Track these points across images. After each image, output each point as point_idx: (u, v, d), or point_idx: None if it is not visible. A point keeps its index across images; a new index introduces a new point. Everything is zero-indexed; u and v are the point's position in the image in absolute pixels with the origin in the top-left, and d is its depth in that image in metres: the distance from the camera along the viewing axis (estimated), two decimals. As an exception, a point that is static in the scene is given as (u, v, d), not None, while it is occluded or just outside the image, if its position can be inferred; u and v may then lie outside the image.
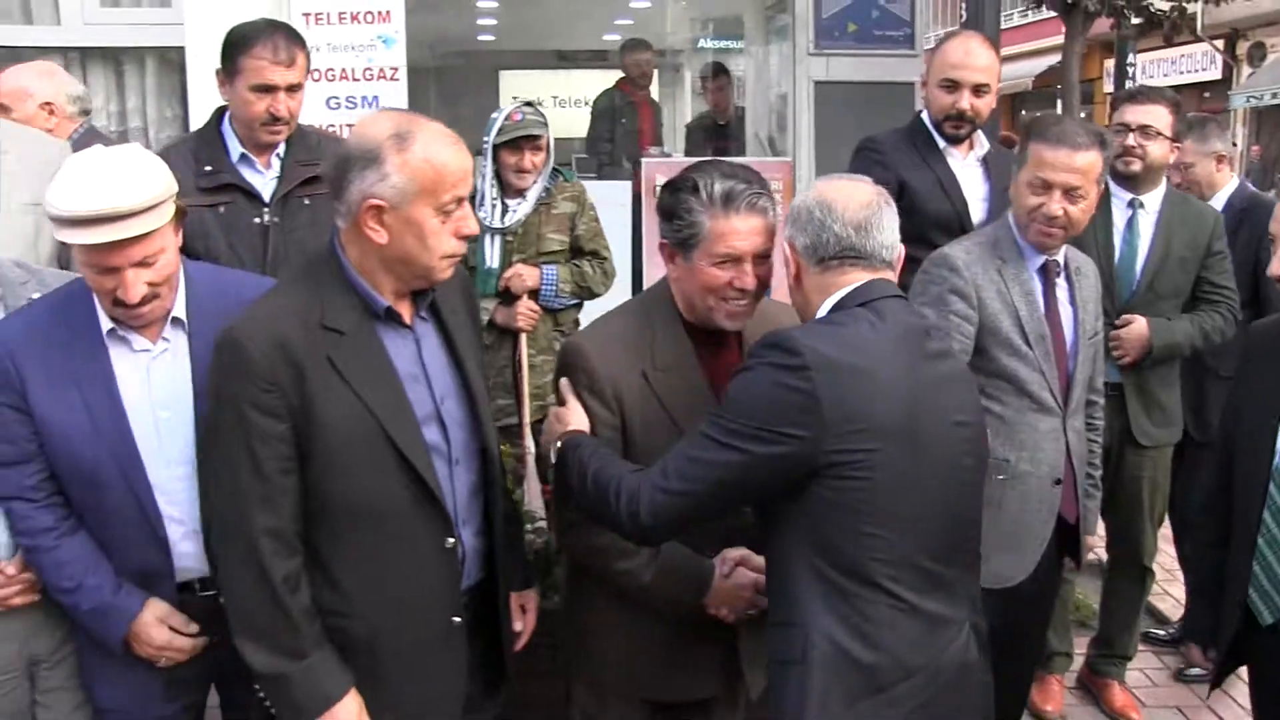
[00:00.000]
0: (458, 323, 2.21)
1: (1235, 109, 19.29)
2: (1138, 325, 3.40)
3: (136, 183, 2.03)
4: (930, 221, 3.32)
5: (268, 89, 2.99)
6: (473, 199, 3.74)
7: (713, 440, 1.97)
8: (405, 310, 2.11)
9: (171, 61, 5.43)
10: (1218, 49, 19.50)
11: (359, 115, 5.31)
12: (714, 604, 2.26)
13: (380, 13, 5.26)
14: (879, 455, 1.94)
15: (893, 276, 2.14)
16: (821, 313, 2.11)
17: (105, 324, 2.16)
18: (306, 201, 3.11)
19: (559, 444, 2.15)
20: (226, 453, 1.97)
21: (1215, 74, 20.26)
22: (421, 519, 2.07)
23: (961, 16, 3.69)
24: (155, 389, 2.18)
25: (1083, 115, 24.22)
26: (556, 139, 3.97)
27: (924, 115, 3.44)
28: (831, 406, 1.92)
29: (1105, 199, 3.41)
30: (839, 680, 1.97)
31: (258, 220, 3.04)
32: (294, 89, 3.05)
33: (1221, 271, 3.48)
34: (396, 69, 5.25)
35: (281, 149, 3.12)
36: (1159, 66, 21.27)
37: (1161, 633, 4.22)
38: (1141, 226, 3.47)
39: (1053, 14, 5.47)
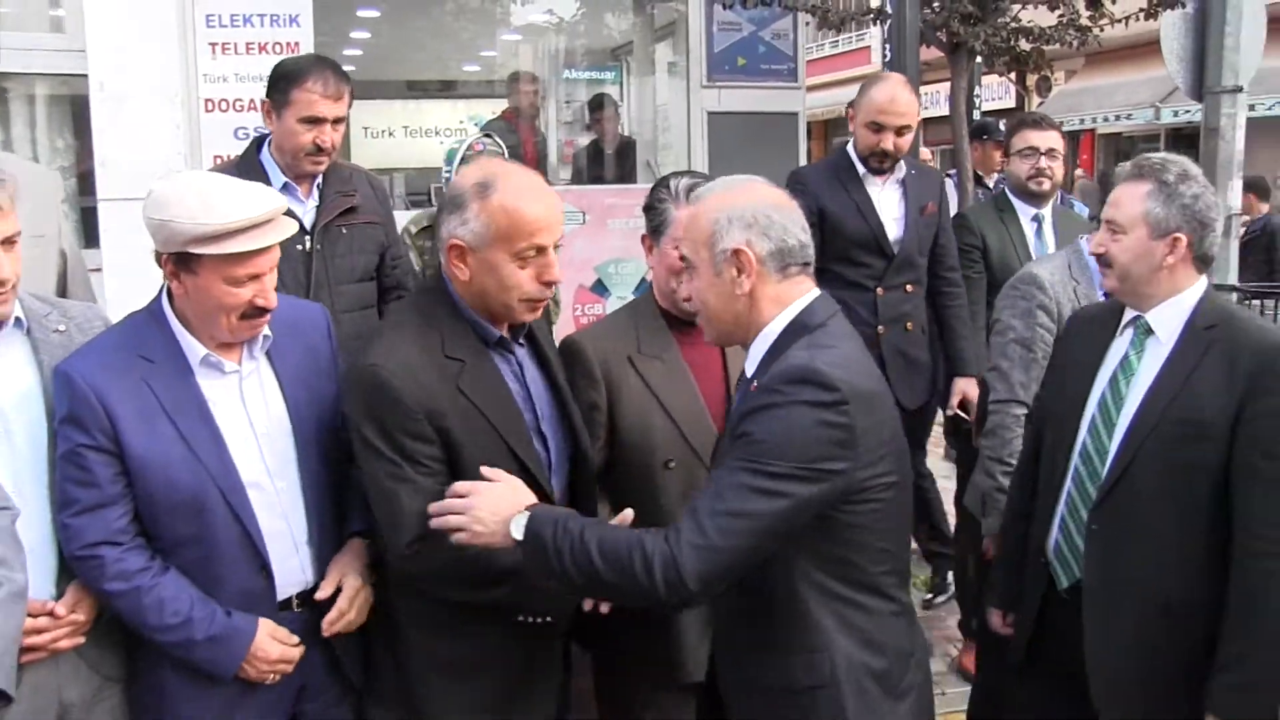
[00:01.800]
0: (548, 344, 2.39)
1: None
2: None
3: (265, 191, 2.13)
4: (849, 241, 3.70)
5: (316, 121, 3.07)
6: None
7: (757, 491, 1.87)
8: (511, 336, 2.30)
9: (61, 89, 5.32)
10: (1011, 80, 21.19)
11: (267, 145, 5.38)
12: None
13: (289, 43, 5.27)
14: (891, 476, 1.98)
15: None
16: (776, 324, 2.05)
17: (199, 351, 2.18)
18: (344, 230, 3.21)
19: (523, 517, 1.99)
20: (380, 476, 2.11)
21: (1010, 102, 22.01)
22: None
23: (886, 57, 4.09)
24: (250, 409, 2.23)
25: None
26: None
27: (849, 147, 3.81)
28: (863, 435, 1.91)
29: (1014, 216, 3.90)
30: (864, 693, 2.01)
31: (300, 247, 3.11)
32: (338, 122, 3.14)
33: None
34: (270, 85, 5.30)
35: (320, 179, 3.22)
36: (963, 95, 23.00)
37: None
38: (1046, 235, 3.94)
39: (862, 44, 6.02)
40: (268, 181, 3.10)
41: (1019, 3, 5.06)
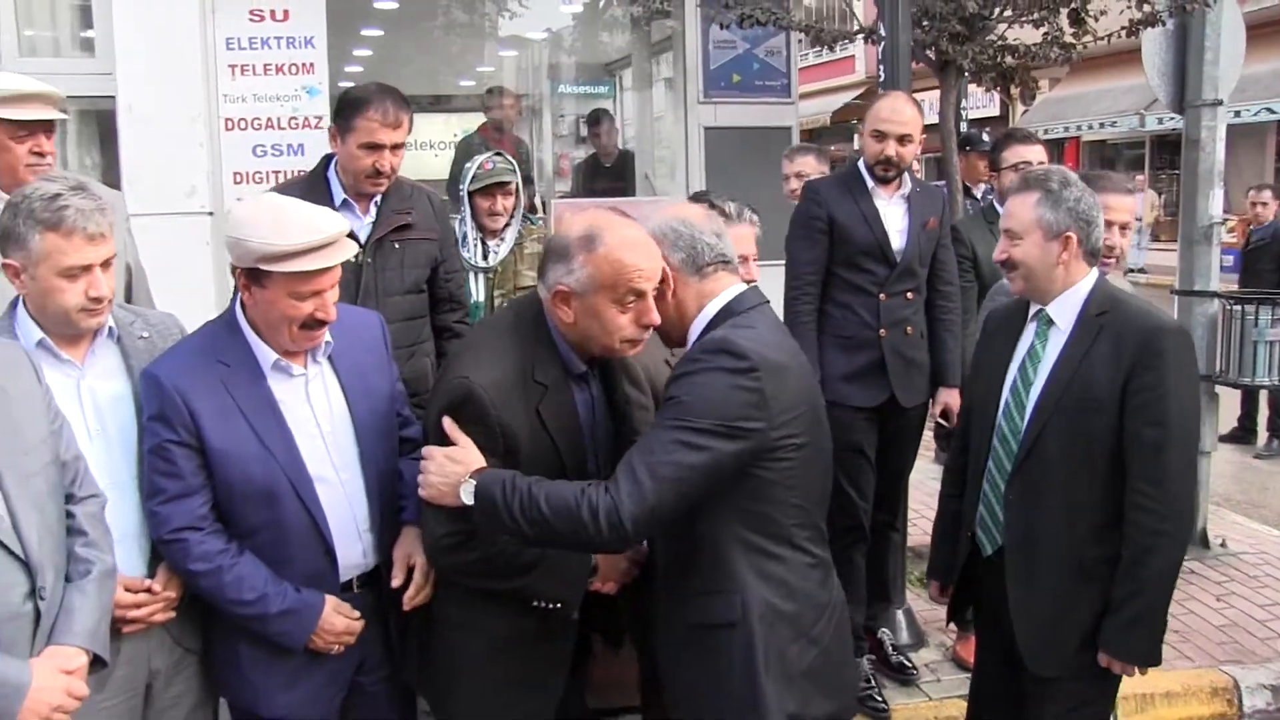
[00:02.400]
0: (613, 370, 2.56)
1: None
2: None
3: (331, 215, 2.34)
4: (855, 248, 3.92)
5: (376, 147, 3.24)
6: (458, 241, 4.08)
7: (683, 444, 2.11)
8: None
9: (89, 110, 5.51)
10: (995, 89, 21.51)
11: (285, 163, 5.57)
12: (601, 580, 2.49)
13: (305, 64, 5.51)
14: (801, 438, 2.24)
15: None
16: (703, 317, 2.32)
17: (270, 356, 2.38)
18: (397, 246, 3.40)
19: (471, 482, 2.19)
20: None
21: (994, 110, 22.31)
22: None
23: (880, 75, 4.31)
24: (316, 408, 2.43)
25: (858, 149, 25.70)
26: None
27: (860, 162, 4.04)
28: (774, 399, 2.17)
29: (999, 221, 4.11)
30: (774, 632, 2.24)
31: (353, 260, 3.31)
32: (397, 148, 3.30)
33: None
34: (321, 118, 5.46)
35: (379, 197, 3.41)
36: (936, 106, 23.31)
37: None
38: None
39: (846, 54, 6.29)
40: (331, 196, 3.35)
41: (1005, 22, 5.28)
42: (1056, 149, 21.48)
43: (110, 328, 2.44)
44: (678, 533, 2.30)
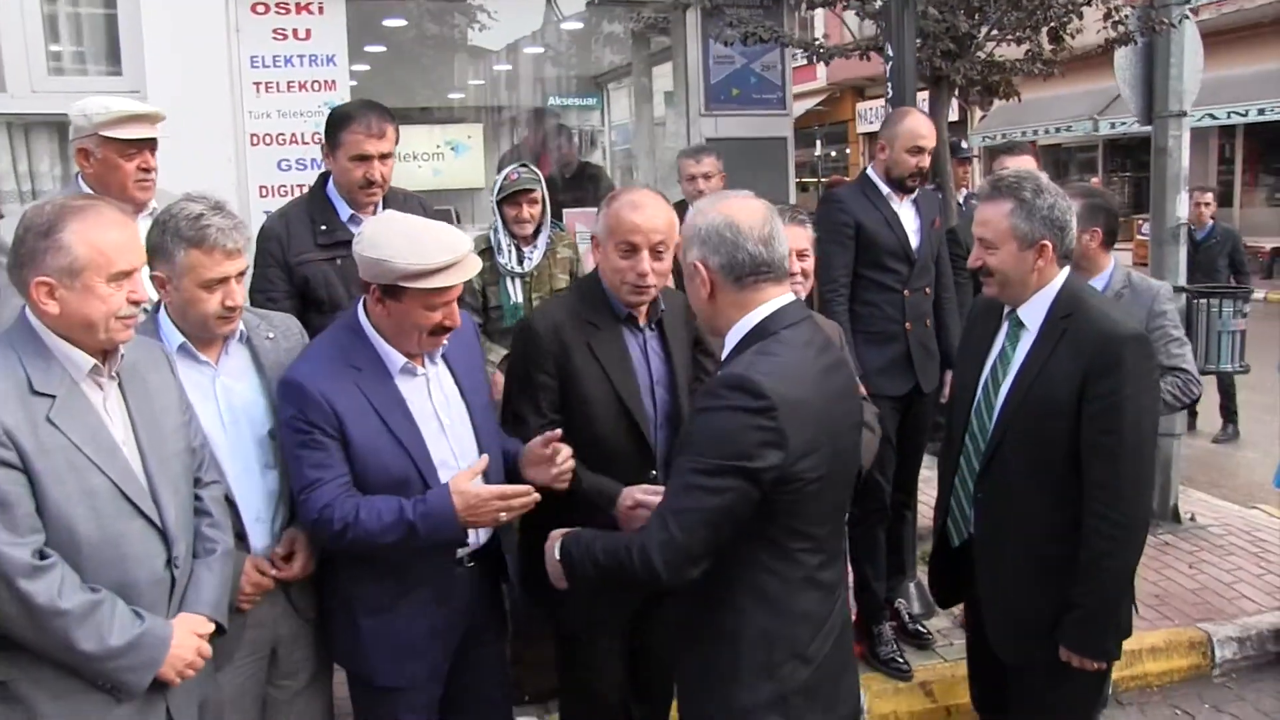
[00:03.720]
0: (675, 333, 2.96)
1: (973, 148, 21.88)
2: None
3: (457, 234, 2.56)
4: (882, 250, 4.25)
5: (364, 158, 3.42)
6: (494, 249, 4.36)
7: (702, 489, 2.16)
8: (641, 317, 2.90)
9: (117, 128, 5.68)
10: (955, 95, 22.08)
11: (308, 176, 5.74)
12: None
13: (327, 81, 5.73)
14: (817, 470, 2.21)
15: (789, 289, 2.37)
16: (740, 328, 2.29)
17: (399, 360, 2.61)
18: None
19: (557, 543, 2.42)
20: (514, 401, 2.87)
21: (954, 116, 22.89)
22: (636, 459, 2.85)
23: (887, 94, 4.65)
24: (437, 404, 2.66)
25: (831, 153, 25.86)
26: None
27: (869, 171, 4.37)
28: (792, 436, 2.15)
29: None
30: (767, 652, 2.27)
31: None
32: (385, 157, 3.47)
33: None
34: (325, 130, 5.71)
35: (380, 206, 3.60)
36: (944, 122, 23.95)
37: None
38: None
39: (804, 62, 6.64)
40: (337, 212, 3.54)
41: (993, 41, 5.67)
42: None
43: (241, 331, 2.69)
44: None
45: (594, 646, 3.00)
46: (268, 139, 5.71)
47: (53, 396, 2.16)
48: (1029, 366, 2.73)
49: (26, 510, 2.09)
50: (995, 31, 5.59)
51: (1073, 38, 5.68)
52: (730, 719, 2.29)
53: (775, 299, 2.30)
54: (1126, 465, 2.60)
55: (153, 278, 2.54)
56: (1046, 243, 2.69)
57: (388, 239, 2.50)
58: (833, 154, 31.68)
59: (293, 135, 5.71)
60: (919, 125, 4.22)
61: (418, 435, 2.62)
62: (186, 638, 2.30)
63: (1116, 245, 3.69)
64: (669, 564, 2.19)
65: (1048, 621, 2.72)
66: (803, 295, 3.20)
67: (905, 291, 4.26)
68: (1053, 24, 5.53)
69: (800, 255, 3.15)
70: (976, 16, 5.42)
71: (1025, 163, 4.43)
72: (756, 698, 2.26)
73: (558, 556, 2.40)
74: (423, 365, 2.69)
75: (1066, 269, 2.76)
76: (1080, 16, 5.44)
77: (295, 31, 5.69)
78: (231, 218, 2.55)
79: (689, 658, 2.41)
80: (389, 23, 8.01)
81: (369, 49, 8.17)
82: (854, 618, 4.13)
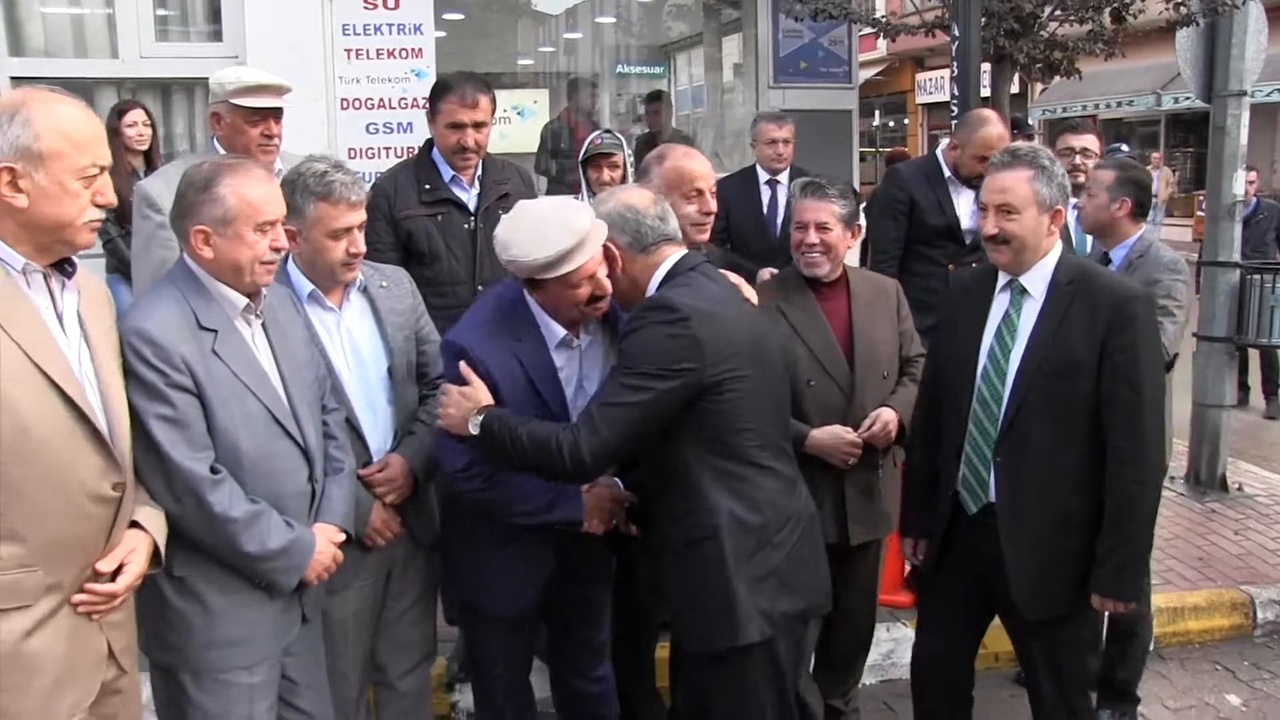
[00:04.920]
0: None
1: (1034, 122, 21.75)
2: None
3: (578, 209, 2.70)
4: (930, 230, 4.49)
5: (458, 126, 3.66)
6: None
7: (626, 387, 2.51)
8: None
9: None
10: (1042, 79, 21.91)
11: (395, 139, 6.07)
12: (588, 520, 2.82)
13: (414, 49, 6.02)
14: (742, 371, 2.56)
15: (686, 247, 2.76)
16: (654, 283, 2.67)
17: (559, 333, 2.77)
18: (500, 212, 3.80)
19: (479, 417, 2.60)
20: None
21: (1014, 89, 22.74)
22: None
23: (953, 71, 4.85)
24: (584, 373, 2.84)
25: (890, 124, 25.63)
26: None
27: (939, 154, 4.60)
28: (708, 342, 2.51)
29: None
30: (742, 541, 2.57)
31: (466, 226, 3.79)
32: (479, 125, 3.67)
33: None
34: (428, 98, 5.99)
35: (481, 171, 3.87)
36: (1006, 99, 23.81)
37: None
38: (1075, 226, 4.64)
39: (870, 31, 6.79)
40: (440, 173, 3.79)
41: (1055, 20, 5.83)
42: (1073, 127, 21.89)
43: (360, 280, 2.95)
44: (654, 469, 2.67)
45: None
46: (357, 103, 6.00)
47: (215, 331, 2.43)
48: (1041, 330, 2.80)
49: (201, 430, 2.38)
50: (1058, 11, 5.74)
51: (1135, 18, 5.81)
52: (728, 602, 2.56)
53: (675, 254, 2.71)
54: (1147, 414, 2.74)
55: (285, 231, 2.75)
56: (1060, 208, 2.82)
57: (514, 239, 2.68)
58: (890, 124, 31.50)
59: (380, 100, 6.00)
60: (991, 137, 4.39)
61: (563, 402, 2.81)
62: (324, 545, 2.58)
63: (1177, 220, 3.86)
64: (594, 458, 2.51)
65: (1073, 574, 2.83)
66: (826, 268, 3.35)
67: (950, 265, 4.49)
68: (1115, 4, 5.66)
69: (820, 228, 3.31)
70: (1040, -4, 5.57)
71: (1090, 142, 4.58)
72: (745, 583, 2.55)
73: (475, 431, 2.60)
74: (578, 338, 2.84)
75: (1060, 242, 2.88)
76: (1144, -1, 5.57)
77: (385, 1, 5.96)
78: (351, 174, 2.81)
79: (682, 571, 2.64)
80: (470, -10, 8.28)
81: (446, 16, 8.45)
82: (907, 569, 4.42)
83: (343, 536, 2.66)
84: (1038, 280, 2.83)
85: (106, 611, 2.21)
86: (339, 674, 2.92)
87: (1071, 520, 2.81)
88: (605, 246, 2.66)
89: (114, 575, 2.21)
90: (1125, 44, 6.10)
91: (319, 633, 2.79)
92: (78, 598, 2.16)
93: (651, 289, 2.69)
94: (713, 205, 3.21)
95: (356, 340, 2.95)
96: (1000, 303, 2.90)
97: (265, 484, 2.48)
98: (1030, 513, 2.83)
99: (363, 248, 2.87)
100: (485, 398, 2.66)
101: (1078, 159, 4.54)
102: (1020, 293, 2.86)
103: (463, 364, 2.71)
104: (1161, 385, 2.83)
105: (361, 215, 2.84)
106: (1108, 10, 5.72)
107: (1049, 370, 2.77)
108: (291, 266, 2.89)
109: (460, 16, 8.47)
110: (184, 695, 2.47)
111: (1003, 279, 2.91)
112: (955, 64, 4.73)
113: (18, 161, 2.03)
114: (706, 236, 3.29)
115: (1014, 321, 2.86)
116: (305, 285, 2.87)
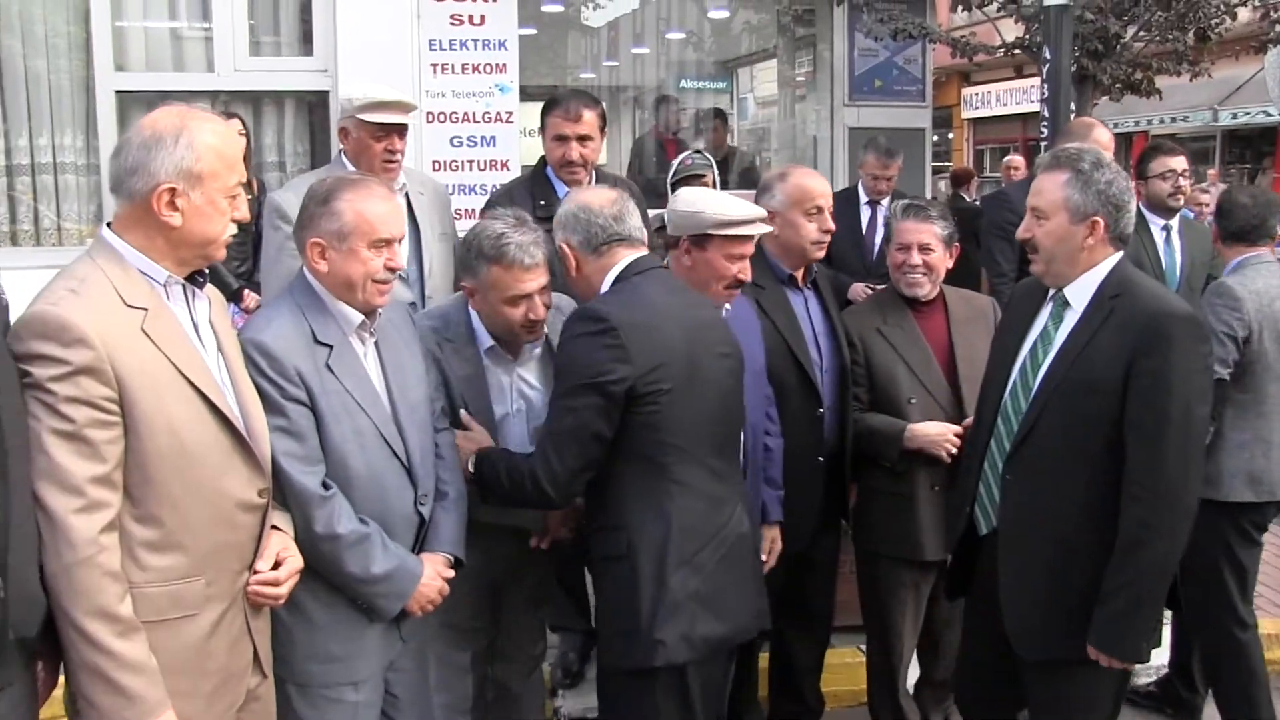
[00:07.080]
0: (828, 292, 3.49)
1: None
2: None
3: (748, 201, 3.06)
4: None
5: (562, 139, 3.72)
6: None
7: (566, 409, 2.52)
8: (799, 278, 3.38)
9: (304, 103, 6.14)
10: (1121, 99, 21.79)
11: (478, 153, 6.18)
12: (553, 528, 2.91)
13: (498, 64, 6.11)
14: (666, 385, 2.51)
15: (646, 250, 2.72)
16: (605, 285, 2.64)
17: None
18: None
19: (475, 457, 2.70)
20: None
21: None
22: (806, 400, 3.29)
23: (1042, 93, 4.88)
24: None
25: (935, 138, 25.62)
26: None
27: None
28: (637, 352, 2.47)
29: (1145, 226, 4.58)
30: (657, 562, 2.51)
31: None
32: (584, 139, 3.71)
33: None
34: (511, 113, 6.08)
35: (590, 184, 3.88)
36: (1011, 95, 23.59)
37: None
38: (1174, 242, 4.65)
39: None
40: (555, 189, 3.82)
41: (1139, 41, 5.85)
42: (1125, 143, 21.76)
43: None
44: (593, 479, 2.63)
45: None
46: (442, 117, 6.08)
47: (330, 346, 2.42)
48: (1070, 345, 2.61)
49: (314, 444, 2.37)
50: (1143, 32, 5.77)
51: (1221, 36, 5.82)
52: (637, 624, 2.51)
53: (628, 256, 2.67)
54: (1171, 446, 2.45)
55: (464, 288, 2.85)
56: (1099, 219, 2.57)
57: (702, 197, 2.96)
58: (935, 139, 31.37)
59: (465, 114, 6.08)
60: (1103, 141, 4.36)
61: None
62: (431, 574, 2.54)
63: (1259, 240, 3.81)
64: (555, 485, 2.53)
65: (1074, 616, 2.56)
66: (927, 288, 3.40)
67: None
68: (1202, 24, 5.68)
69: (923, 249, 3.36)
70: (1126, 17, 5.60)
71: (1179, 162, 4.54)
72: (656, 606, 2.50)
73: (471, 469, 2.71)
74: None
75: (1120, 253, 2.64)
76: (1234, 17, 5.58)
77: (470, 17, 6.06)
78: (531, 232, 2.75)
79: (601, 585, 2.65)
80: (547, 8, 8.42)
81: (521, 31, 8.60)
82: None
83: (451, 573, 2.62)
84: (1081, 293, 2.63)
85: (275, 601, 2.25)
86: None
87: (1078, 554, 2.57)
88: (560, 246, 2.69)
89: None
90: (1201, 61, 6.10)
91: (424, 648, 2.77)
92: (253, 588, 2.20)
93: (602, 292, 2.66)
94: (831, 224, 3.30)
95: (527, 390, 2.94)
96: (1043, 315, 2.74)
97: (374, 504, 2.46)
98: (1034, 539, 2.63)
99: (543, 314, 2.80)
100: (484, 440, 2.75)
101: (1180, 180, 4.53)
102: (1062, 305, 2.68)
103: (463, 413, 2.78)
104: (1197, 417, 2.51)
105: (543, 278, 2.76)
106: (1193, 30, 5.73)
107: (1067, 388, 2.57)
108: (474, 317, 2.90)
109: (533, 31, 8.61)
110: (289, 708, 2.45)
111: (1050, 291, 2.73)
112: (1045, 86, 4.76)
113: (179, 181, 2.07)
114: (823, 254, 3.38)
115: (1050, 335, 2.68)
116: (486, 339, 2.88)
